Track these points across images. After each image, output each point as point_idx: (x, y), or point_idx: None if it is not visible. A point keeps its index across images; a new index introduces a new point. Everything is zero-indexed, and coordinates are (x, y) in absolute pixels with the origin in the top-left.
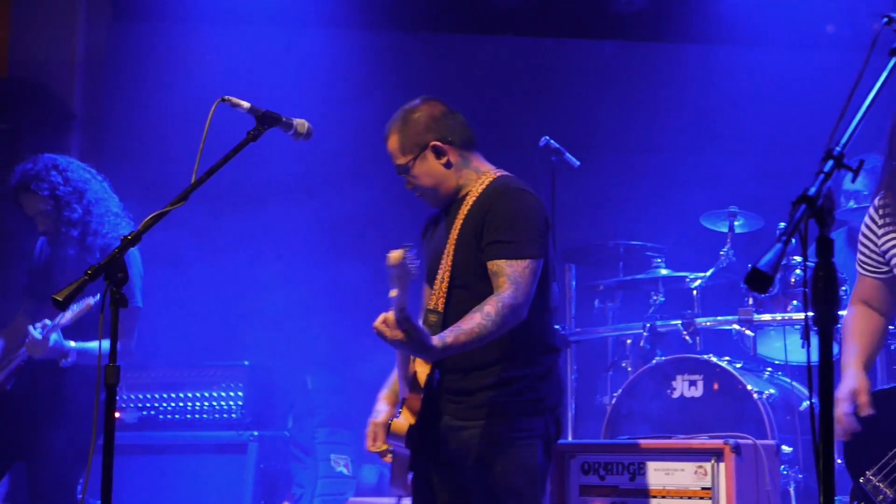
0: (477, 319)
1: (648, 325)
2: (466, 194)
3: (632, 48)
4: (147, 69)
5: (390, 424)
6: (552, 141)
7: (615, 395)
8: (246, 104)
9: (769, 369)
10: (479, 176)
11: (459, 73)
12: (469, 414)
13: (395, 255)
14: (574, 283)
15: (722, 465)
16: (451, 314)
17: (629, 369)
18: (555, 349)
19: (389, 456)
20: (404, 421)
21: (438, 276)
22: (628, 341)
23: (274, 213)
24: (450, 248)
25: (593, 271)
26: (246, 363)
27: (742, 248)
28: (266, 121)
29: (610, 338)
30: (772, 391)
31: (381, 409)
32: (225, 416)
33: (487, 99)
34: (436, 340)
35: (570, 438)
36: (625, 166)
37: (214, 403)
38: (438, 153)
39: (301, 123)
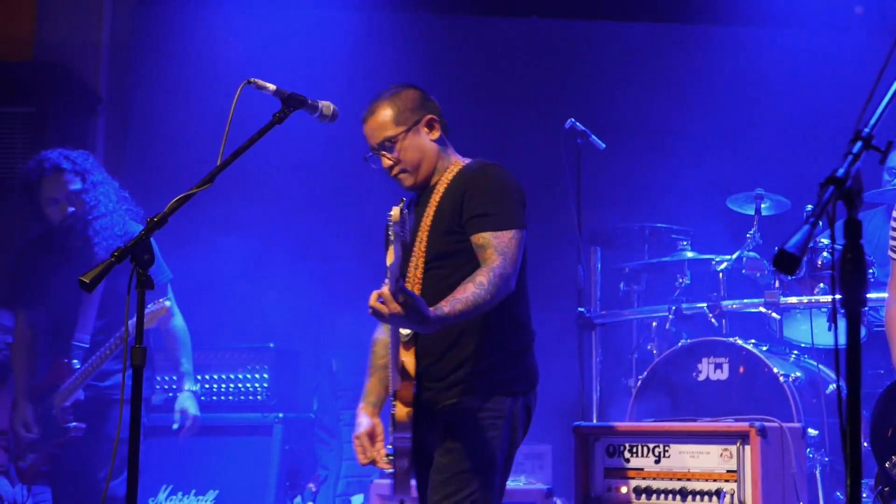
0: (471, 289)
1: (674, 307)
2: (436, 183)
3: (658, 30)
4: (172, 52)
5: (393, 416)
6: (578, 123)
7: (640, 377)
8: (272, 86)
9: (795, 352)
10: (450, 165)
11: (484, 55)
12: (441, 397)
13: (396, 210)
14: (599, 265)
15: (748, 448)
16: (429, 297)
17: (654, 352)
18: (528, 330)
19: (386, 462)
20: (404, 409)
21: (412, 265)
22: (654, 324)
23: (300, 196)
24: (422, 235)
25: (619, 254)
26: (271, 346)
27: (769, 231)
28: (292, 103)
29: (635, 320)
30: (798, 374)
31: (363, 421)
32: (250, 398)
33: (513, 82)
34: (432, 312)
35: (594, 421)
36: (651, 149)
37: (240, 385)
38: (431, 127)
39: (327, 105)
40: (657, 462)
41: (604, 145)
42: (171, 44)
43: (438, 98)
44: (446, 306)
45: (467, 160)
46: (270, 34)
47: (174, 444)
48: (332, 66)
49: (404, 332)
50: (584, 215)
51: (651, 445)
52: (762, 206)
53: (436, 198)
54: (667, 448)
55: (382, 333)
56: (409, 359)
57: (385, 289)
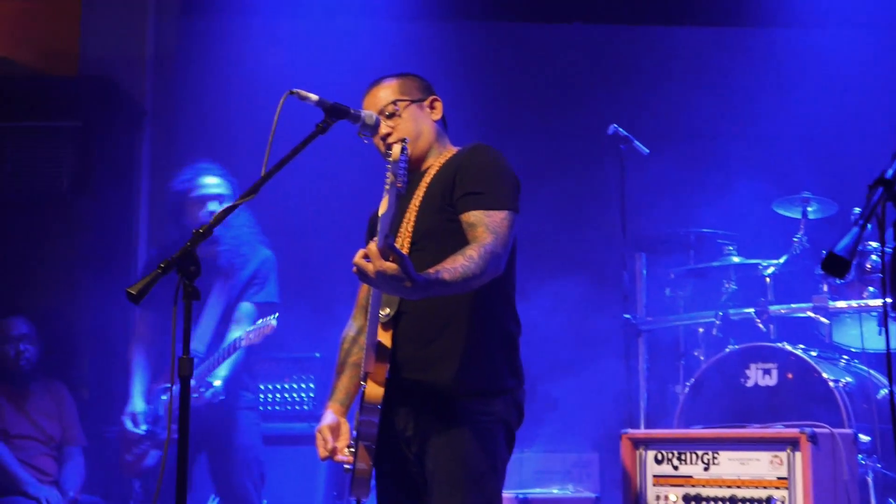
0: (460, 261)
1: (721, 313)
2: (427, 169)
3: (701, 34)
4: (215, 64)
5: (363, 395)
6: (621, 129)
7: (688, 384)
8: (314, 96)
9: (845, 357)
10: (444, 151)
11: (527, 62)
12: (426, 393)
13: (396, 148)
14: (645, 271)
15: (798, 454)
16: None
17: (701, 358)
18: (517, 326)
19: (346, 453)
20: (377, 389)
21: (396, 244)
22: (700, 330)
23: (345, 207)
24: (409, 216)
25: (664, 259)
26: (317, 355)
27: (816, 235)
28: (334, 113)
29: (681, 326)
30: (848, 379)
31: (328, 417)
32: (297, 407)
33: (556, 88)
34: (420, 275)
35: (642, 428)
36: (695, 153)
37: (287, 395)
38: (434, 108)
39: (369, 115)
40: (706, 469)
41: (647, 150)
42: (214, 56)
43: (481, 104)
44: (434, 273)
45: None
46: (312, 44)
47: None
48: (374, 75)
49: (384, 311)
50: (628, 221)
51: (700, 453)
52: (809, 209)
53: (426, 180)
54: (716, 455)
55: (353, 330)
56: (385, 339)
57: (372, 245)
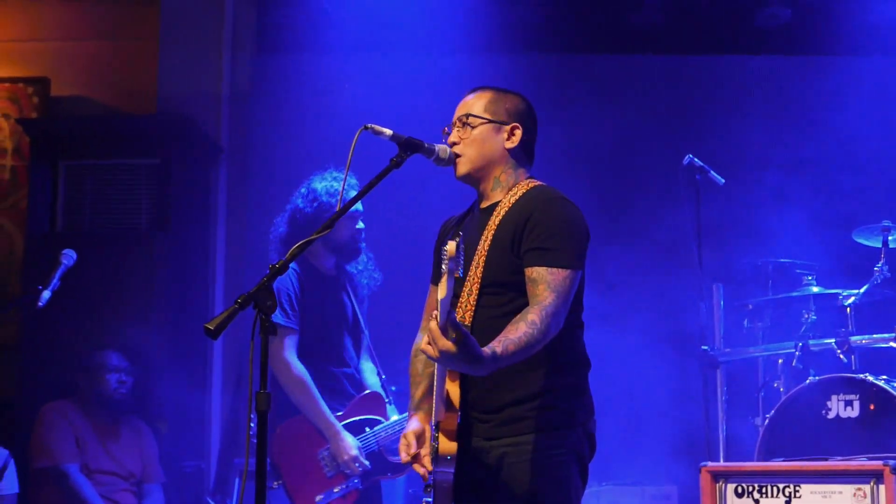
0: (523, 328)
1: (801, 344)
2: (497, 203)
3: (776, 62)
4: (290, 100)
5: (437, 450)
6: (696, 159)
7: (768, 416)
8: (388, 131)
9: None
10: (517, 183)
11: (600, 93)
12: (497, 432)
13: (452, 245)
14: (722, 302)
15: (882, 487)
16: (479, 327)
17: (781, 390)
18: (585, 362)
19: (426, 467)
20: (450, 444)
21: (465, 289)
22: (780, 361)
23: (417, 241)
24: (479, 259)
25: (742, 290)
26: (393, 388)
27: None
28: (408, 147)
29: (761, 358)
30: None
31: (413, 423)
32: None
33: (630, 119)
34: (485, 352)
35: (721, 461)
36: (772, 182)
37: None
38: (512, 135)
39: (443, 149)
40: (788, 503)
41: (723, 180)
42: (289, 92)
43: (555, 136)
44: (499, 346)
45: (538, 183)
46: (385, 80)
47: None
48: (447, 109)
49: None
50: (704, 252)
51: (781, 486)
52: (890, 238)
53: (496, 219)
54: (797, 488)
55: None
56: (454, 388)
57: (433, 323)
